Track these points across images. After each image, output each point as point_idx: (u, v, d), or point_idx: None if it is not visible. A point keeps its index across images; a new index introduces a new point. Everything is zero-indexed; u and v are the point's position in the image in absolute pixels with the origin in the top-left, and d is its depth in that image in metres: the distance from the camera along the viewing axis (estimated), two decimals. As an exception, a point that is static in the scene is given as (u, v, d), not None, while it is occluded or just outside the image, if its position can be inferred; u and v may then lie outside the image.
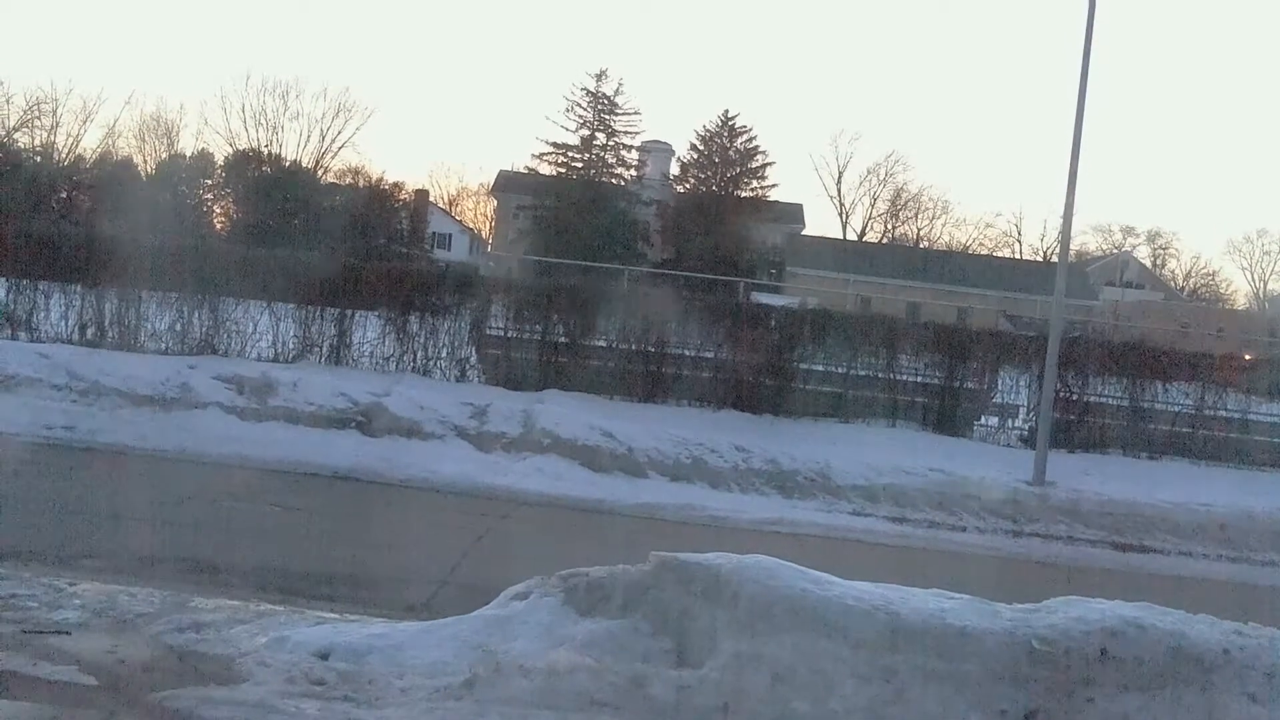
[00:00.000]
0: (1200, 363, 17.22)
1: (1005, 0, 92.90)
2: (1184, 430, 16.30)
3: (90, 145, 52.93)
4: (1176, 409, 16.56)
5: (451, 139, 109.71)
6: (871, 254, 58.02)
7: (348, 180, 56.14)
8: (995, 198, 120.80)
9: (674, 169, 58.46)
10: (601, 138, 55.46)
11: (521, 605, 5.83)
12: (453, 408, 13.82)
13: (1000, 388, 17.06)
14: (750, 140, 56.58)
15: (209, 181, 54.21)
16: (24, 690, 4.99)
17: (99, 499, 9.95)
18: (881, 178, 69.05)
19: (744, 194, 56.18)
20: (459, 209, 73.45)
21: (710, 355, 16.30)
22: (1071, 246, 17.59)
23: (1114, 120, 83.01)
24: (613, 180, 55.33)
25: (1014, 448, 15.90)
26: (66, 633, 5.68)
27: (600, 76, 55.41)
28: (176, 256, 16.60)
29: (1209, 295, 69.19)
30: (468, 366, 16.25)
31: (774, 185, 58.09)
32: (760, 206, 55.83)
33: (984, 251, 66.36)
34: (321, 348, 16.04)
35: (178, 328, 15.84)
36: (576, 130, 55.33)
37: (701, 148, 56.97)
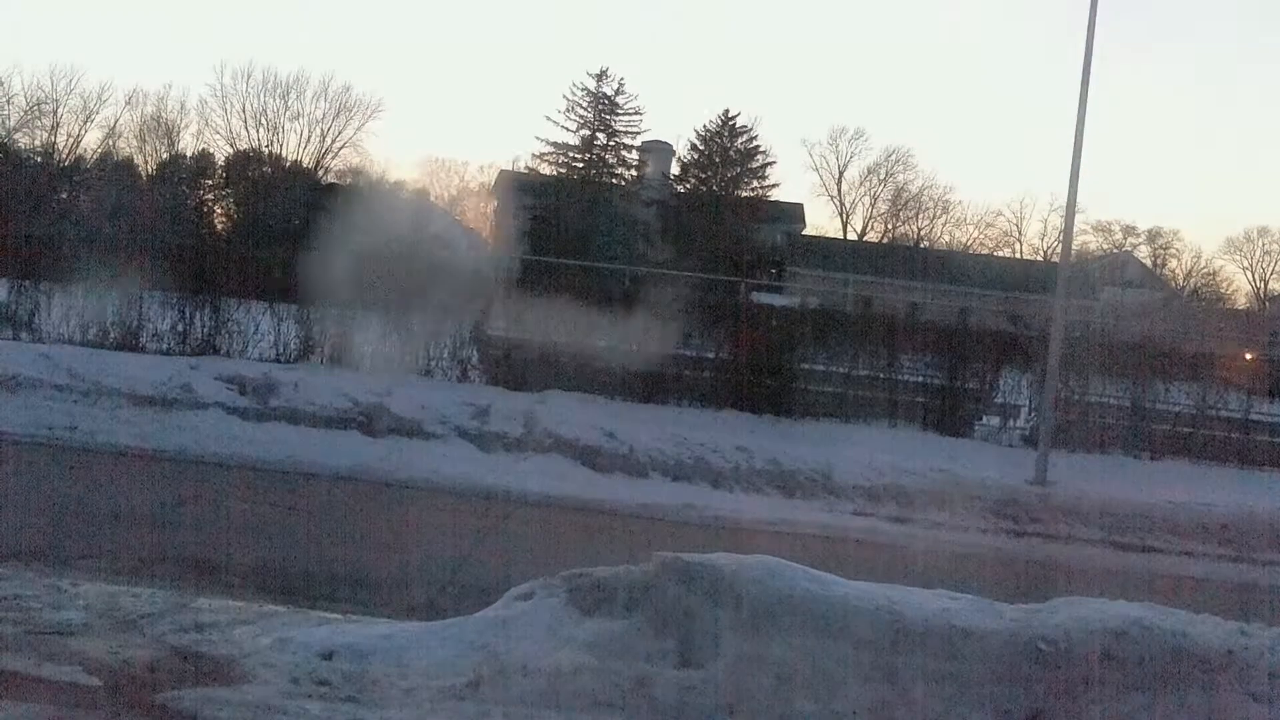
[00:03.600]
0: (1201, 363, 17.23)
1: (1007, 3, 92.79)
2: (1185, 430, 16.30)
3: (91, 145, 52.88)
4: (1178, 409, 16.56)
5: (452, 139, 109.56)
6: (872, 253, 57.96)
7: (348, 180, 56.10)
8: (996, 197, 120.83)
9: (674, 169, 58.43)
10: (602, 138, 55.43)
11: (525, 606, 5.83)
12: (454, 408, 13.83)
13: (1001, 388, 17.06)
14: (751, 140, 56.54)
15: (209, 182, 54.16)
16: (28, 691, 4.99)
17: (101, 499, 9.95)
18: (882, 177, 68.90)
19: (744, 194, 56.14)
20: (459, 209, 73.43)
21: (711, 355, 16.31)
22: (1072, 246, 17.61)
23: (1115, 119, 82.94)
24: (613, 180, 55.31)
25: (1015, 448, 15.89)
26: (70, 634, 5.68)
27: (601, 76, 55.38)
28: (178, 257, 16.62)
29: (1210, 295, 69.12)
30: (469, 367, 16.26)
31: (774, 185, 57.92)
32: (760, 206, 55.78)
33: (985, 251, 66.28)
34: (323, 348, 16.05)
35: (179, 328, 15.86)
36: (577, 130, 55.31)
37: (702, 147, 56.92)
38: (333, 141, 57.61)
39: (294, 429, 13.14)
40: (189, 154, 55.04)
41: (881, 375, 16.38)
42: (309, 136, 57.51)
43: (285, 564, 8.29)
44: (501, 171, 61.55)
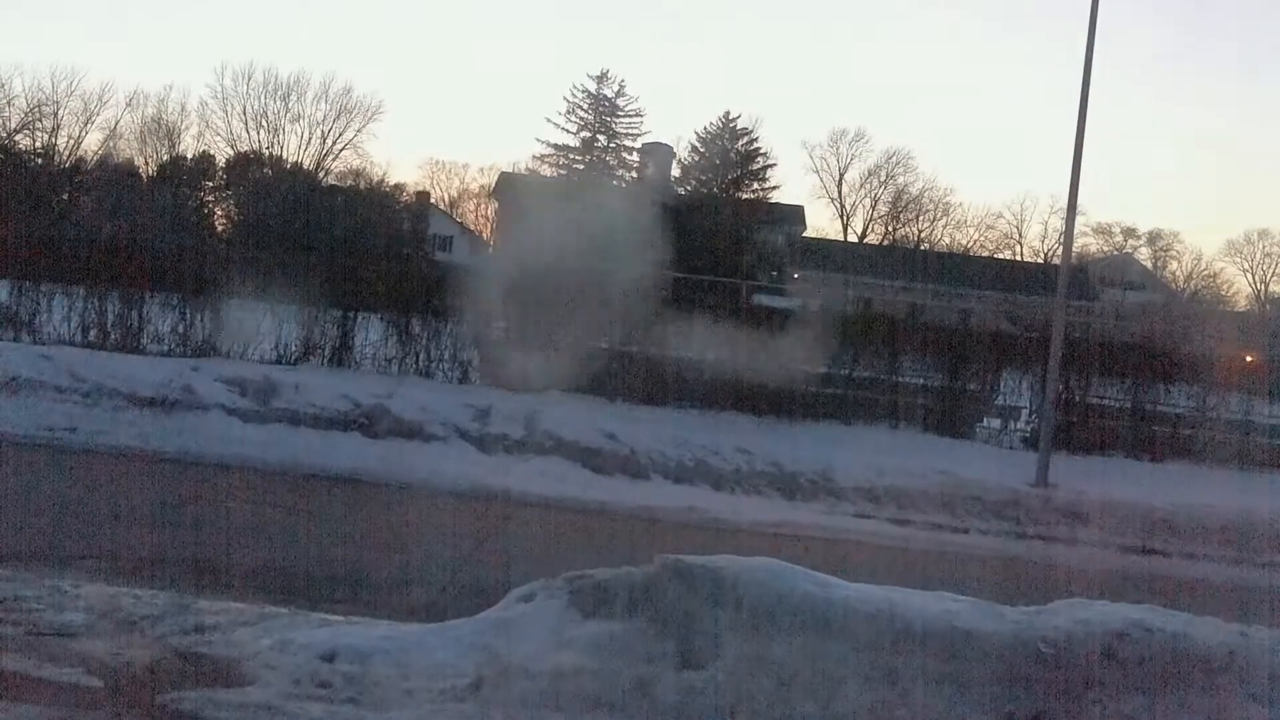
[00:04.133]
0: (1202, 364, 17.24)
1: (1008, 4, 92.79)
2: (1186, 432, 16.30)
3: (91, 147, 52.86)
4: (1178, 411, 16.56)
5: (452, 141, 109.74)
6: (873, 256, 57.98)
7: (349, 182, 56.14)
8: (996, 199, 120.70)
9: (675, 171, 58.43)
10: (602, 139, 55.54)
11: (526, 607, 5.83)
12: (455, 409, 13.83)
13: (1002, 389, 17.06)
14: (751, 142, 56.56)
15: (210, 184, 54.18)
16: (30, 693, 4.99)
17: (101, 500, 9.95)
18: (882, 179, 68.84)
19: (745, 196, 56.12)
20: (460, 211, 73.39)
21: (712, 357, 16.30)
22: (1073, 248, 17.63)
23: (1116, 121, 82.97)
24: (614, 182, 55.34)
25: (1016, 449, 15.89)
26: (71, 635, 5.68)
27: (601, 78, 55.50)
28: (178, 258, 16.63)
29: (1210, 297, 69.07)
30: (470, 368, 16.26)
31: (775, 187, 57.88)
32: (761, 208, 55.72)
33: (985, 253, 66.25)
34: (324, 350, 16.04)
35: (180, 330, 15.84)
36: (578, 132, 55.41)
37: (703, 149, 56.92)
38: (333, 143, 57.70)
39: (295, 430, 13.15)
40: (189, 156, 55.12)
41: (882, 377, 16.38)
42: (309, 138, 57.61)
43: (286, 565, 8.29)
44: (502, 173, 61.60)
